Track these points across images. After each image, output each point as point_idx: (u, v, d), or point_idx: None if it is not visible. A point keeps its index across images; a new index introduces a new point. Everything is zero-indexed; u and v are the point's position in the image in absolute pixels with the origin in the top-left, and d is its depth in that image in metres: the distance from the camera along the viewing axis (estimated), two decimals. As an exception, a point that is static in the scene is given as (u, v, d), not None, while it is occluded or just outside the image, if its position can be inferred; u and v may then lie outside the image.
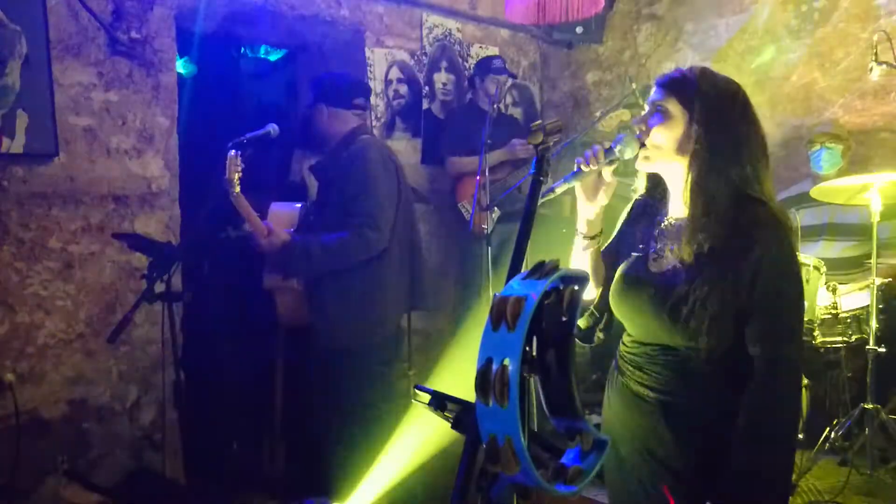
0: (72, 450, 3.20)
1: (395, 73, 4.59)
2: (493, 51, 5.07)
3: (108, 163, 3.31)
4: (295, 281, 3.17)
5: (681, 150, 1.68)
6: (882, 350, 3.39)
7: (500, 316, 1.01)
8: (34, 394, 3.12)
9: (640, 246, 1.81)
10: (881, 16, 4.20)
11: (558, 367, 1.10)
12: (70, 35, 3.16)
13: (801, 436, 3.34)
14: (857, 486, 3.31)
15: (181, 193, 3.56)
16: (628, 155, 1.69)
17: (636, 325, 1.77)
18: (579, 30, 5.04)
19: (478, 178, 3.75)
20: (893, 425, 3.42)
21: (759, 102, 1.79)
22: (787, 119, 4.51)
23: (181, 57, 4.02)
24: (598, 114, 4.41)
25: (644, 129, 1.70)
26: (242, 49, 5.07)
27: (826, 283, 3.55)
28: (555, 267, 1.09)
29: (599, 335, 1.89)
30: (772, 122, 4.39)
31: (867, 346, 3.39)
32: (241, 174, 2.87)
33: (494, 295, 1.05)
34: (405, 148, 4.59)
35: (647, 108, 1.76)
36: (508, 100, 5.16)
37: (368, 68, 4.43)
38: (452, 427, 1.21)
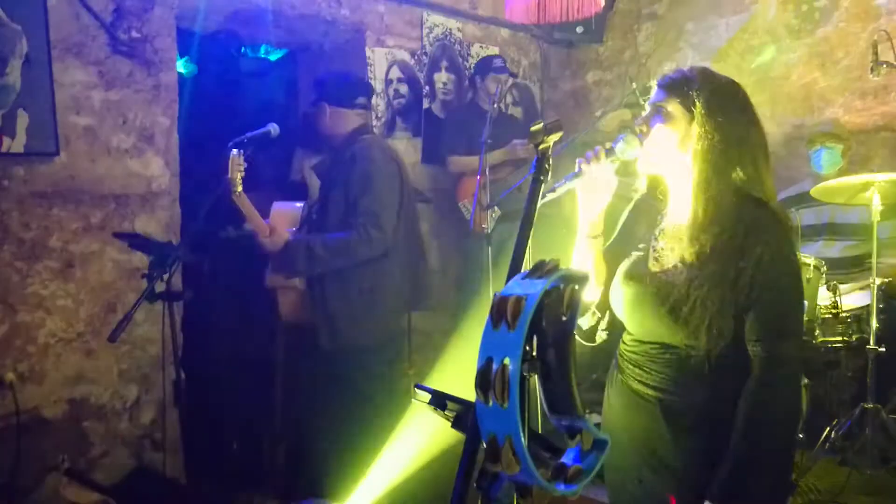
0: (72, 449, 3.20)
1: (395, 73, 4.59)
2: (493, 50, 5.07)
3: (109, 162, 3.31)
4: (297, 280, 3.17)
5: (682, 150, 1.69)
6: (882, 350, 3.39)
7: (501, 315, 1.02)
8: (35, 393, 3.12)
9: (641, 245, 1.82)
10: (881, 15, 4.20)
11: (558, 366, 1.10)
12: (71, 34, 3.16)
13: (801, 435, 3.35)
14: (857, 485, 3.30)
15: (182, 193, 3.56)
16: (629, 155, 1.69)
17: (636, 324, 1.78)
18: (580, 29, 5.05)
19: (478, 177, 3.75)
20: (894, 425, 3.42)
21: (760, 102, 1.79)
22: (788, 119, 4.51)
23: (182, 56, 4.02)
24: (598, 113, 4.41)
25: (645, 129, 1.70)
26: (243, 48, 5.06)
27: (826, 283, 3.55)
28: (555, 266, 1.09)
29: (601, 334, 1.90)
30: (772, 122, 4.39)
31: (867, 346, 3.39)
32: (243, 173, 2.87)
33: (495, 294, 1.05)
34: (405, 147, 4.59)
35: (647, 108, 1.76)
36: (509, 99, 5.16)
37: (369, 68, 4.43)
38: (452, 426, 1.21)
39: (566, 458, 1.09)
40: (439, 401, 1.23)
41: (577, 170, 1.66)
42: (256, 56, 5.12)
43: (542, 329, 1.08)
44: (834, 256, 3.88)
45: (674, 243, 1.73)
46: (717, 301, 1.60)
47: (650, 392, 1.74)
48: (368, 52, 4.42)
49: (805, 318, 3.34)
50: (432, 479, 2.93)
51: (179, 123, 3.55)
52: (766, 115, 1.77)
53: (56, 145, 3.11)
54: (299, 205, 3.37)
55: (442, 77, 4.85)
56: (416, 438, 2.92)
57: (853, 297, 3.66)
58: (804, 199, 3.93)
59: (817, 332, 3.52)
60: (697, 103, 1.66)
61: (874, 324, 3.37)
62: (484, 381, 1.00)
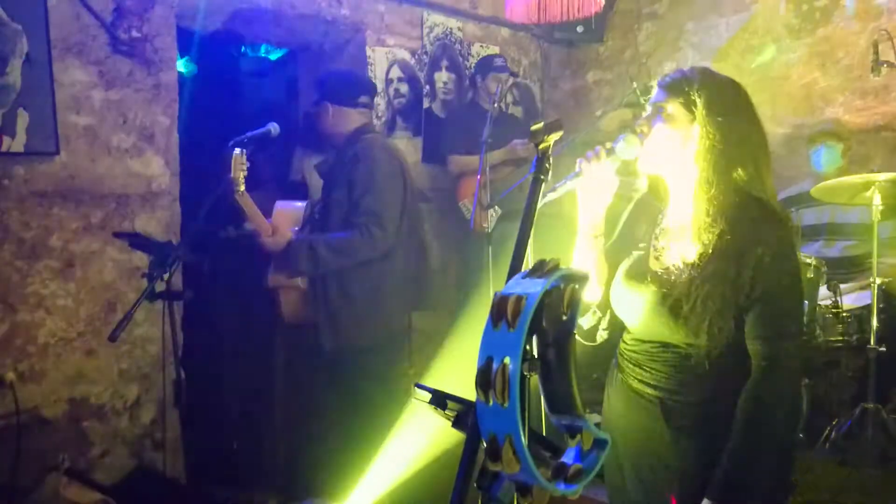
0: (73, 448, 3.20)
1: (395, 72, 4.59)
2: (493, 50, 5.07)
3: (109, 162, 3.31)
4: (299, 280, 3.17)
5: (683, 150, 1.69)
6: (883, 349, 3.39)
7: (501, 314, 1.01)
8: (35, 392, 3.12)
9: (642, 244, 1.82)
10: (882, 15, 4.20)
11: (559, 365, 1.10)
12: (71, 34, 3.16)
13: (801, 435, 3.35)
14: (858, 485, 3.30)
15: (182, 192, 3.56)
16: (630, 155, 1.69)
17: (637, 323, 1.78)
18: (580, 29, 5.04)
19: (478, 177, 3.75)
20: (894, 425, 3.42)
21: (760, 102, 1.79)
22: (788, 118, 4.51)
23: (182, 56, 4.02)
24: (598, 113, 4.41)
25: (646, 129, 1.70)
26: (243, 48, 5.06)
27: (827, 283, 3.55)
28: (555, 266, 1.09)
29: (602, 334, 1.90)
30: (772, 122, 4.39)
31: (868, 346, 3.39)
32: (245, 173, 2.87)
33: (495, 293, 1.05)
34: (406, 147, 4.59)
35: (648, 108, 1.76)
36: (509, 99, 5.16)
37: (369, 67, 4.43)
38: (453, 426, 1.21)
39: (566, 458, 1.09)
40: (439, 400, 1.23)
41: (577, 169, 1.67)
42: (256, 55, 5.12)
43: (543, 328, 1.08)
44: (834, 256, 3.88)
45: (674, 242, 1.73)
46: (717, 300, 1.61)
47: (650, 391, 1.74)
48: (369, 52, 4.42)
49: (805, 318, 3.34)
50: (432, 479, 2.93)
51: (179, 123, 3.55)
52: (766, 114, 1.77)
53: (56, 145, 3.11)
54: (302, 204, 3.37)
55: (442, 76, 4.85)
56: (416, 438, 2.92)
57: (853, 297, 3.67)
58: (804, 199, 3.93)
59: (818, 331, 3.52)
60: (698, 103, 1.66)
61: (874, 323, 3.37)
62: (484, 380, 1.00)
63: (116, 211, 3.34)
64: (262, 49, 5.05)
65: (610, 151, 1.66)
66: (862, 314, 3.55)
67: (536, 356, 1.08)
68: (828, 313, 3.55)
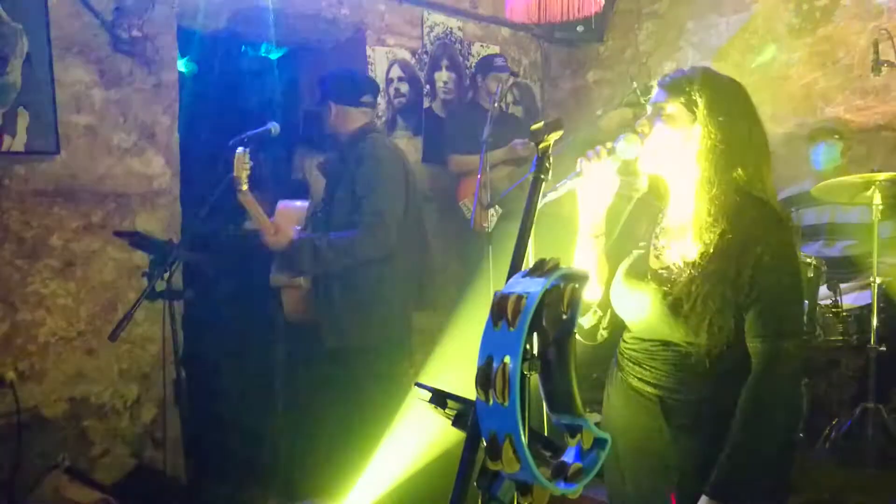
0: (73, 447, 3.20)
1: (396, 72, 4.59)
2: (494, 49, 5.06)
3: (110, 161, 3.31)
4: (302, 279, 3.17)
5: (684, 151, 1.69)
6: (883, 349, 3.39)
7: (501, 314, 1.02)
8: (35, 392, 3.12)
9: (642, 243, 1.82)
10: (882, 14, 4.20)
11: (559, 364, 1.10)
12: (71, 33, 3.16)
13: (801, 435, 3.35)
14: (858, 485, 3.30)
15: (182, 191, 3.56)
16: (631, 155, 1.69)
17: (637, 322, 1.78)
18: (580, 28, 5.04)
19: (478, 176, 3.75)
20: (894, 424, 3.42)
21: (760, 101, 1.79)
22: (789, 118, 4.50)
23: (182, 55, 4.02)
24: (599, 112, 4.40)
25: (647, 129, 1.71)
26: (243, 47, 5.06)
27: (827, 282, 3.55)
28: (556, 265, 1.09)
29: (603, 333, 1.90)
30: (773, 121, 4.39)
31: (868, 345, 3.39)
32: (249, 172, 2.87)
33: (495, 293, 1.05)
34: (406, 146, 4.58)
35: (648, 107, 1.76)
36: (509, 98, 5.16)
37: (369, 67, 4.43)
38: (453, 424, 1.21)
39: (567, 457, 1.09)
40: (440, 399, 1.23)
41: (577, 169, 1.67)
42: (257, 55, 5.12)
43: (543, 328, 1.08)
44: (834, 256, 3.88)
45: (675, 241, 1.73)
46: (717, 299, 1.61)
47: (650, 390, 1.75)
48: (369, 51, 4.42)
49: (806, 318, 3.34)
50: (432, 478, 2.93)
51: (180, 122, 3.55)
52: (766, 114, 1.77)
53: (57, 144, 3.11)
54: (304, 203, 3.37)
55: (443, 76, 4.85)
56: (416, 437, 2.92)
57: (854, 297, 3.66)
58: (805, 199, 3.93)
59: (818, 331, 3.52)
60: (700, 103, 1.67)
61: (875, 323, 3.37)
62: (484, 379, 1.00)
63: (117, 210, 3.34)
64: (263, 48, 5.05)
65: (611, 151, 1.66)
66: (862, 314, 3.54)
67: (536, 355, 1.08)
68: (828, 313, 3.55)
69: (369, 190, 3.01)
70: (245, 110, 4.97)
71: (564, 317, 1.11)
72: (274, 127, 3.04)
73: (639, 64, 5.14)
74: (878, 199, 3.39)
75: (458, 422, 1.20)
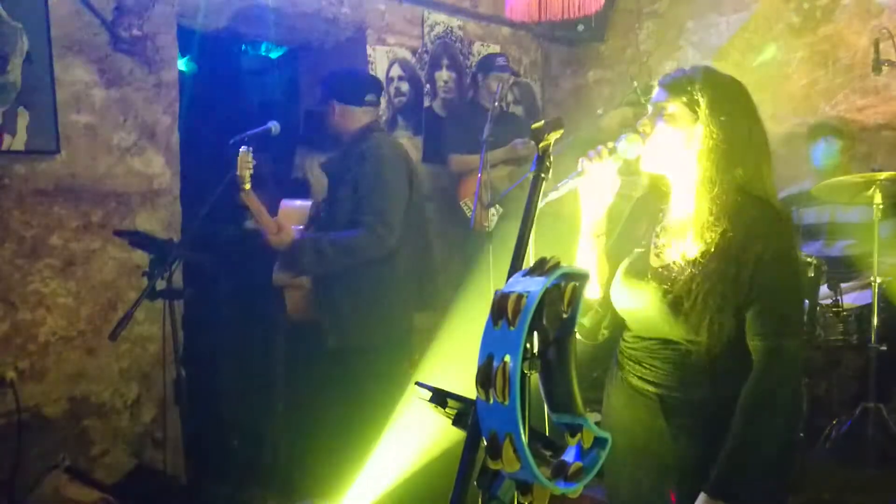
0: (73, 447, 3.20)
1: (396, 71, 4.59)
2: (494, 48, 5.06)
3: (110, 160, 3.31)
4: (304, 278, 3.16)
5: (686, 150, 1.69)
6: (883, 348, 3.39)
7: (501, 312, 1.01)
8: (35, 391, 3.12)
9: (643, 242, 1.82)
10: (883, 13, 4.20)
11: (559, 364, 1.10)
12: (71, 32, 3.16)
13: (801, 434, 3.35)
14: (858, 485, 3.30)
15: (182, 191, 3.56)
16: (632, 155, 1.69)
17: (637, 320, 1.78)
18: (581, 28, 5.04)
19: (479, 175, 3.75)
20: (895, 424, 3.42)
21: (761, 101, 1.79)
22: (789, 117, 4.50)
23: (183, 54, 4.02)
24: (599, 111, 4.40)
25: (648, 129, 1.71)
26: (244, 46, 5.06)
27: (827, 282, 3.55)
28: (556, 264, 1.09)
29: (604, 332, 1.90)
30: (773, 121, 4.38)
31: (869, 345, 3.39)
32: (252, 171, 2.87)
33: (496, 292, 1.04)
34: (406, 146, 4.55)
35: (649, 106, 1.76)
36: (510, 98, 5.16)
37: (370, 66, 4.42)
38: (453, 424, 1.21)
39: (567, 456, 1.09)
40: (440, 398, 1.23)
41: (579, 169, 1.67)
42: (257, 54, 5.12)
43: (543, 327, 1.08)
44: (835, 255, 3.88)
45: (675, 240, 1.73)
46: (718, 297, 1.62)
47: (650, 388, 1.75)
48: (369, 51, 4.42)
49: (806, 318, 3.34)
50: (432, 477, 2.93)
51: (180, 121, 3.54)
52: (767, 113, 1.77)
53: (57, 143, 3.10)
54: (307, 203, 3.37)
55: (443, 75, 4.85)
56: (416, 437, 2.91)
57: (854, 296, 3.66)
58: (805, 198, 3.93)
59: (818, 331, 3.52)
60: (702, 103, 1.67)
61: (875, 322, 3.37)
62: (485, 378, 0.99)
63: (117, 209, 3.34)
64: (263, 47, 5.05)
65: (612, 151, 1.67)
66: (862, 313, 3.54)
67: (537, 354, 1.08)
68: (828, 312, 3.55)
69: (372, 189, 3.00)
70: (245, 109, 4.98)
71: (565, 316, 1.11)
72: (274, 126, 3.04)
73: (639, 63, 5.14)
74: (878, 198, 3.39)
75: (458, 421, 1.20)
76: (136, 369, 3.42)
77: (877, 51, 3.62)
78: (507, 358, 0.99)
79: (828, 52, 4.40)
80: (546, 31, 5.26)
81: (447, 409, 1.22)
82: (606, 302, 1.85)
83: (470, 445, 1.11)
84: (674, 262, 1.71)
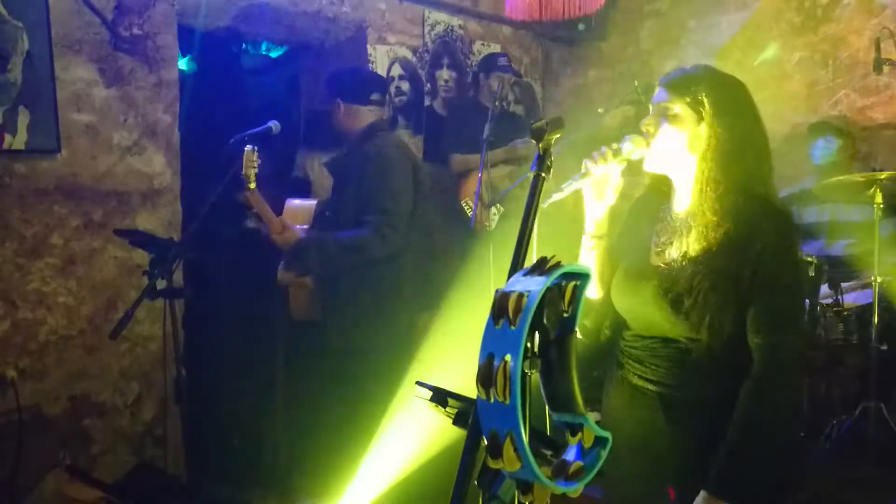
0: (74, 446, 3.21)
1: (396, 70, 4.59)
2: (495, 48, 5.06)
3: (110, 159, 3.31)
4: (308, 278, 3.15)
5: (690, 150, 1.70)
6: (884, 348, 3.39)
7: (502, 312, 1.01)
8: (36, 390, 3.12)
9: (643, 241, 1.82)
10: (885, 11, 4.19)
11: (560, 363, 1.10)
12: (72, 31, 3.16)
13: (802, 434, 3.35)
14: (859, 484, 3.30)
15: (183, 190, 3.56)
16: (636, 155, 1.70)
17: (638, 318, 1.78)
18: (581, 27, 5.03)
19: (479, 175, 3.75)
20: (895, 423, 3.42)
21: (762, 99, 1.79)
22: (790, 116, 4.50)
23: (183, 54, 4.02)
24: (601, 110, 4.40)
25: (652, 130, 1.71)
26: (244, 45, 5.06)
27: (828, 281, 3.55)
28: (557, 263, 1.08)
29: (605, 332, 1.91)
30: (774, 120, 4.34)
31: (869, 344, 3.39)
32: (257, 170, 2.86)
33: (496, 291, 1.04)
34: (407, 145, 4.59)
35: (650, 106, 1.76)
36: (510, 97, 5.15)
37: (370, 65, 4.42)
38: (454, 423, 1.21)
39: (567, 455, 1.09)
40: (440, 398, 1.23)
41: (583, 170, 1.67)
42: (257, 53, 5.12)
43: (544, 326, 1.08)
44: (835, 255, 3.88)
45: (676, 238, 1.74)
46: (719, 295, 1.62)
47: (650, 387, 1.75)
48: (370, 50, 4.42)
49: (807, 317, 3.34)
50: (433, 477, 2.93)
51: (181, 120, 3.55)
52: (768, 112, 1.77)
53: (57, 142, 3.11)
54: (312, 202, 3.36)
55: (444, 74, 4.85)
56: (417, 436, 2.91)
57: (855, 296, 3.66)
58: (806, 198, 3.93)
59: (819, 330, 3.52)
60: (706, 104, 1.67)
61: (876, 321, 3.37)
62: (485, 377, 0.99)
63: (117, 209, 3.34)
64: (263, 47, 5.05)
65: (617, 152, 1.67)
66: (863, 313, 3.54)
67: (537, 354, 1.08)
68: (829, 312, 3.55)
69: (377, 189, 2.99)
70: (246, 108, 4.97)
71: (565, 315, 1.11)
72: (275, 125, 3.03)
73: (640, 62, 5.14)
74: (879, 197, 3.39)
75: (458, 420, 1.20)
76: (136, 368, 3.42)
77: (878, 50, 3.62)
78: (508, 357, 0.99)
79: (829, 51, 4.40)
80: (547, 31, 5.26)
81: (447, 409, 1.22)
82: (608, 302, 1.85)
83: (470, 445, 1.11)
84: (675, 261, 1.71)
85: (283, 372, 3.70)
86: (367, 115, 3.15)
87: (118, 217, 3.34)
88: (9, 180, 3.03)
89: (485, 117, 3.88)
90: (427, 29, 4.72)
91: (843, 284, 3.61)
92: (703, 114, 1.67)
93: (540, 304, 1.02)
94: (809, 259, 3.43)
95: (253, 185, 2.87)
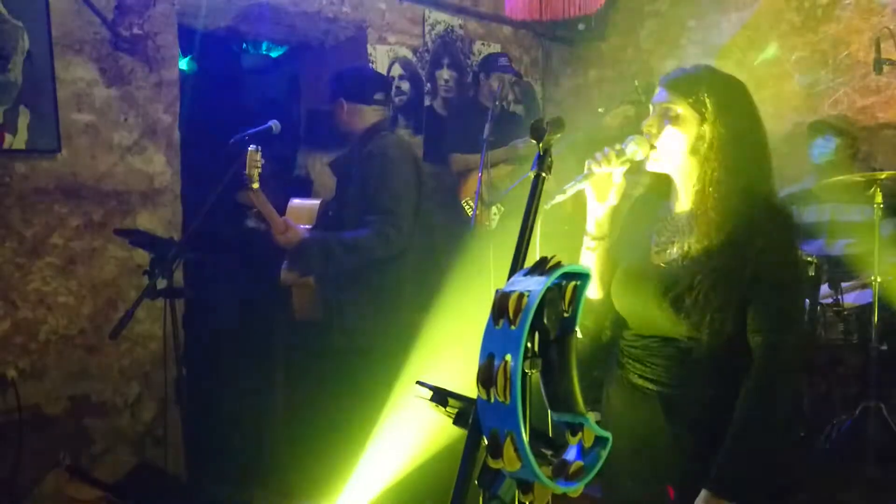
0: (74, 446, 3.21)
1: (397, 70, 4.59)
2: (495, 47, 5.06)
3: (110, 159, 3.31)
4: (312, 278, 3.15)
5: (693, 150, 1.70)
6: (884, 347, 3.39)
7: (503, 312, 1.01)
8: (36, 390, 3.12)
9: (643, 240, 1.82)
10: (885, 11, 4.19)
11: (560, 363, 1.10)
12: (72, 31, 3.16)
13: (802, 433, 3.35)
14: (859, 483, 3.30)
15: (183, 189, 3.56)
16: (640, 156, 1.70)
17: (638, 318, 1.78)
18: (581, 26, 5.03)
19: (479, 174, 3.75)
20: (895, 423, 3.42)
21: (762, 99, 1.79)
22: (790, 116, 4.49)
23: (183, 53, 4.02)
24: (601, 110, 4.39)
25: (654, 131, 1.71)
26: (244, 45, 5.06)
27: (828, 281, 3.55)
28: (557, 263, 1.08)
29: (607, 332, 1.91)
30: (775, 120, 4.35)
31: (869, 344, 3.39)
32: (260, 170, 2.85)
33: (497, 291, 1.04)
34: (407, 145, 4.59)
35: (651, 106, 1.76)
36: (510, 97, 5.15)
37: (371, 65, 4.42)
38: (454, 423, 1.21)
39: (568, 455, 1.09)
40: (441, 397, 1.23)
41: (586, 171, 1.67)
42: (258, 53, 5.12)
43: (544, 326, 1.08)
44: (835, 255, 3.88)
45: (677, 237, 1.74)
46: (720, 295, 1.62)
47: (651, 386, 1.75)
48: (370, 49, 4.42)
49: (807, 317, 3.34)
50: (434, 477, 2.93)
51: (181, 120, 3.55)
52: (768, 112, 1.78)
53: (58, 142, 3.11)
54: (316, 202, 3.36)
55: (444, 74, 4.85)
56: (417, 436, 2.91)
57: (855, 295, 3.66)
58: (806, 197, 3.93)
59: (819, 329, 3.52)
60: (709, 105, 1.67)
61: (876, 321, 3.37)
62: (486, 377, 0.99)
63: (118, 208, 3.34)
64: (264, 46, 5.05)
65: (620, 153, 1.67)
66: (863, 312, 3.54)
67: (538, 353, 1.08)
68: (829, 311, 3.55)
69: (381, 189, 2.98)
70: (246, 108, 4.98)
71: (566, 315, 1.11)
72: (275, 125, 3.02)
73: (640, 62, 5.14)
74: (879, 197, 3.39)
75: (459, 420, 1.20)
76: (136, 368, 3.42)
77: (878, 50, 3.62)
78: (509, 357, 0.99)
79: (829, 51, 4.40)
80: (547, 30, 5.26)
81: (448, 409, 1.22)
82: (609, 302, 1.85)
83: (471, 444, 1.11)
84: (675, 260, 1.72)
85: (283, 372, 3.70)
86: (370, 115, 3.15)
87: (118, 217, 3.34)
88: (9, 180, 3.03)
89: (485, 117, 3.88)
90: (427, 29, 4.72)
91: (843, 284, 3.60)
92: (706, 114, 1.67)
93: (540, 304, 1.02)
94: (809, 259, 3.43)
95: (256, 185, 2.87)
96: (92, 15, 3.18)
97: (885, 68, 3.60)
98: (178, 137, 3.53)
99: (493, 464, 0.99)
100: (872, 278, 3.41)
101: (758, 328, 1.63)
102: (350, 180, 3.11)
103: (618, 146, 1.67)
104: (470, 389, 1.10)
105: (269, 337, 3.77)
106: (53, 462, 3.06)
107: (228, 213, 3.49)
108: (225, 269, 3.92)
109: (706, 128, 1.67)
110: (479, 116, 4.22)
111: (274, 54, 5.10)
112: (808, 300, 3.35)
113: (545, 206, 1.34)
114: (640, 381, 1.78)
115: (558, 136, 1.41)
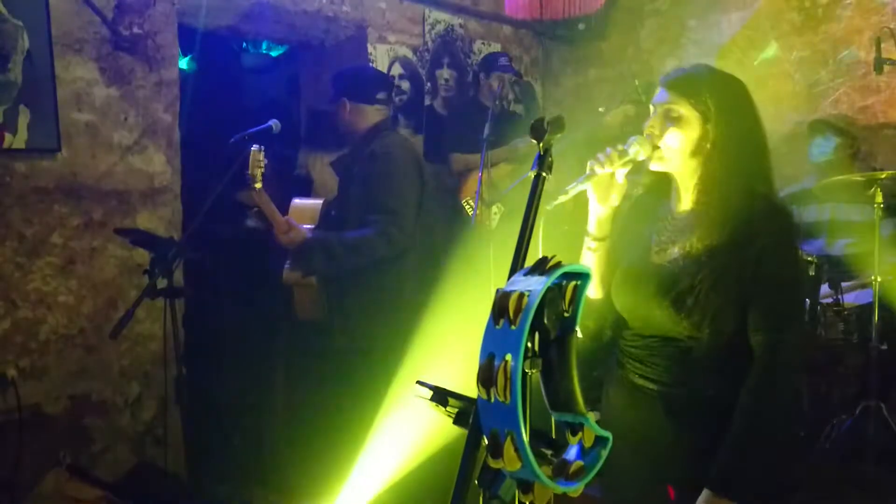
0: (74, 445, 3.20)
1: (397, 69, 4.59)
2: (495, 47, 5.06)
3: (111, 158, 3.31)
4: (314, 278, 3.15)
5: (695, 150, 1.70)
6: (884, 347, 3.39)
7: (503, 311, 1.01)
8: (36, 389, 3.12)
9: (643, 240, 1.82)
10: (885, 11, 4.19)
11: (560, 363, 1.10)
12: (72, 30, 3.15)
13: (802, 433, 3.35)
14: (859, 483, 3.30)
15: (183, 189, 3.56)
16: (642, 157, 1.70)
17: (638, 317, 1.79)
18: (581, 26, 5.03)
19: (479, 174, 3.75)
20: (895, 423, 3.42)
21: (763, 99, 1.80)
22: (790, 116, 4.49)
23: (183, 53, 4.02)
24: (601, 109, 4.39)
25: (656, 131, 1.71)
26: (244, 44, 5.06)
27: (828, 280, 3.55)
28: (558, 263, 1.08)
29: (607, 332, 1.91)
30: (775, 119, 4.36)
31: (869, 343, 3.39)
32: (263, 169, 2.85)
33: (497, 290, 1.04)
34: (407, 144, 4.59)
35: (651, 106, 1.76)
36: (511, 96, 5.15)
37: (371, 64, 4.42)
38: (454, 423, 1.21)
39: (568, 455, 1.09)
40: (441, 397, 1.23)
41: (588, 172, 1.67)
42: (258, 52, 5.12)
43: (545, 326, 1.08)
44: (835, 254, 3.88)
45: (678, 237, 1.74)
46: (721, 294, 1.63)
47: (651, 386, 1.75)
48: (370, 49, 4.42)
49: (807, 316, 3.34)
50: (434, 476, 2.93)
51: (181, 119, 3.54)
52: (768, 112, 1.78)
53: (58, 142, 3.10)
54: (318, 202, 3.36)
55: (444, 73, 4.85)
56: (418, 436, 2.91)
57: (855, 295, 3.66)
58: (806, 197, 3.93)
59: (819, 329, 3.52)
60: (710, 105, 1.68)
61: (876, 321, 3.37)
62: (486, 377, 1.00)
63: (118, 208, 3.34)
64: (264, 46, 5.05)
65: (622, 154, 1.67)
66: (863, 312, 3.54)
67: (538, 353, 1.08)
68: (829, 311, 3.55)
69: (383, 188, 2.98)
70: (246, 108, 4.98)
71: (566, 315, 1.11)
72: (275, 124, 3.02)
73: (640, 61, 5.14)
74: (879, 197, 3.39)
75: (459, 420, 1.20)
76: (136, 368, 3.42)
77: (878, 50, 3.62)
78: (509, 357, 0.99)
79: (829, 50, 4.40)
80: (547, 30, 5.26)
81: (448, 408, 1.22)
82: (609, 302, 1.85)
83: (471, 444, 1.11)
84: (676, 260, 1.72)
85: (284, 372, 3.70)
86: (373, 115, 3.14)
87: (118, 216, 3.34)
88: (9, 179, 3.03)
89: (485, 117, 3.88)
90: (427, 28, 4.72)
91: (843, 284, 3.60)
92: (708, 115, 1.68)
93: (540, 304, 1.03)
94: (809, 258, 3.43)
95: (259, 185, 2.87)
96: (92, 14, 3.18)
97: (886, 68, 3.60)
98: (178, 137, 3.53)
99: (493, 463, 0.99)
100: (872, 278, 3.41)
101: (758, 327, 1.63)
102: (352, 180, 3.11)
103: (620, 147, 1.67)
104: (470, 389, 1.10)
105: (270, 337, 3.77)
106: (53, 461, 3.06)
107: (229, 212, 3.49)
108: (225, 269, 3.92)
109: (708, 128, 1.68)
110: (479, 116, 4.22)
111: (274, 53, 5.10)
112: (808, 300, 3.35)
113: (547, 207, 1.34)
114: (640, 381, 1.78)
115: (559, 135, 1.41)
